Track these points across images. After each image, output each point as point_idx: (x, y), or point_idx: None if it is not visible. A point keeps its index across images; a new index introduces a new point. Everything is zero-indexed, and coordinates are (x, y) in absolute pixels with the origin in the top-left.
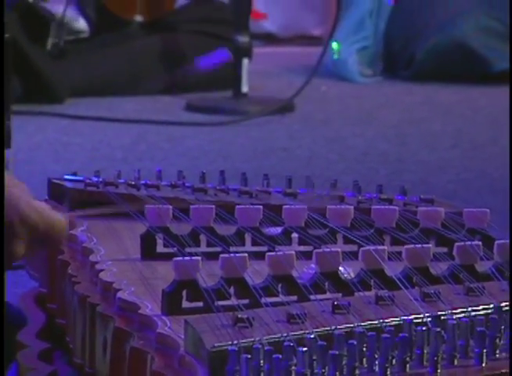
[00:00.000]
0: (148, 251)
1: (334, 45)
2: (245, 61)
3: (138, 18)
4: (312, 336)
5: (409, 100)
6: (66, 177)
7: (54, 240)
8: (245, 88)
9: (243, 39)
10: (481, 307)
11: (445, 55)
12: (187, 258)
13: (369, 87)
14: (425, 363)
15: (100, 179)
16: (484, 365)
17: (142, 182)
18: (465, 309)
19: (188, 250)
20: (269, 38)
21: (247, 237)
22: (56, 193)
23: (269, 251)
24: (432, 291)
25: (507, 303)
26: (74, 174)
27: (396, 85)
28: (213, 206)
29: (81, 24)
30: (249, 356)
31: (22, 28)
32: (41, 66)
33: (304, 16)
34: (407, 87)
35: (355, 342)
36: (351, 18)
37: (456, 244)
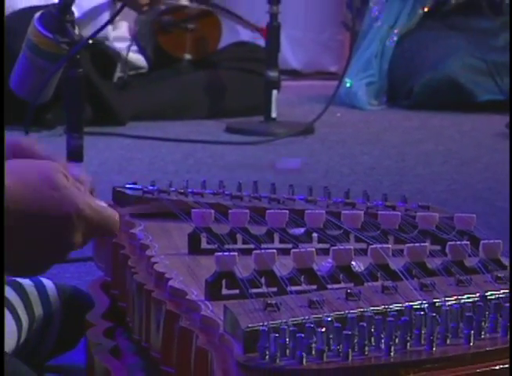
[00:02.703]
0: (194, 247)
1: (347, 81)
2: (274, 92)
3: (188, 57)
4: (329, 319)
5: (407, 125)
6: (128, 186)
7: (107, 232)
8: (274, 114)
9: (273, 74)
10: (469, 296)
11: (437, 88)
12: (226, 253)
13: (375, 114)
14: (422, 342)
15: (155, 188)
16: (471, 344)
17: (190, 190)
18: (456, 297)
19: (227, 246)
20: (294, 74)
21: (276, 236)
22: (119, 199)
23: (294, 248)
24: (428, 282)
25: (491, 292)
26: (134, 183)
27: (397, 113)
28: (247, 210)
29: (142, 61)
30: (277, 335)
31: (93, 64)
32: (108, 95)
33: (323, 56)
34: (406, 114)
35: (365, 324)
36: (360, 58)
37: (448, 243)
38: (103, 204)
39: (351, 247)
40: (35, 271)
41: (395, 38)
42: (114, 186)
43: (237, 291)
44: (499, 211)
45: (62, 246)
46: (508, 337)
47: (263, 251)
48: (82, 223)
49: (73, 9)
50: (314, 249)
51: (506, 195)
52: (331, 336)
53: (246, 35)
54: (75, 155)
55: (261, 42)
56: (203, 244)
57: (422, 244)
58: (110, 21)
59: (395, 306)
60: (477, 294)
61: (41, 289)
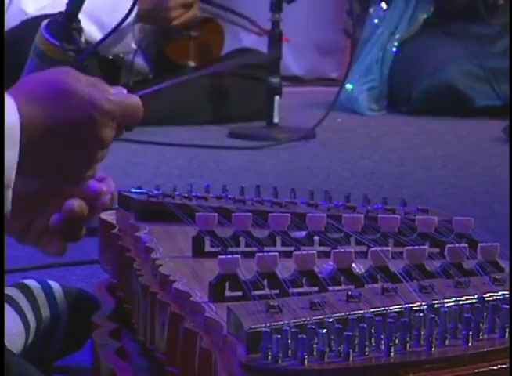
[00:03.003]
0: (198, 250)
1: (348, 85)
2: (276, 98)
3: (191, 63)
4: (330, 320)
5: (407, 130)
6: (133, 190)
7: (133, 120)
8: (276, 120)
9: (275, 80)
10: (467, 297)
11: (436, 94)
12: (229, 256)
13: (375, 119)
14: (422, 342)
15: (160, 192)
16: (470, 345)
17: (194, 194)
18: (454, 299)
19: (230, 249)
20: (296, 80)
21: (278, 239)
22: (125, 203)
23: (295, 250)
24: (428, 284)
25: (489, 294)
26: (139, 187)
27: (397, 118)
28: (250, 214)
29: (146, 68)
30: (279, 336)
31: (98, 71)
32: None
33: (324, 62)
34: (406, 119)
35: (365, 325)
36: (361, 64)
37: (447, 245)
38: (122, 93)
39: (352, 250)
40: (78, 175)
41: (396, 44)
42: (120, 190)
43: (240, 293)
44: (497, 214)
45: (94, 146)
46: (506, 338)
47: (265, 253)
48: (106, 119)
49: (80, 17)
50: (315, 252)
51: (503, 198)
52: (332, 337)
53: (248, 42)
54: None
55: (264, 46)
56: (207, 247)
57: (421, 247)
58: (115, 29)
59: (395, 308)
60: (476, 296)
61: (48, 291)
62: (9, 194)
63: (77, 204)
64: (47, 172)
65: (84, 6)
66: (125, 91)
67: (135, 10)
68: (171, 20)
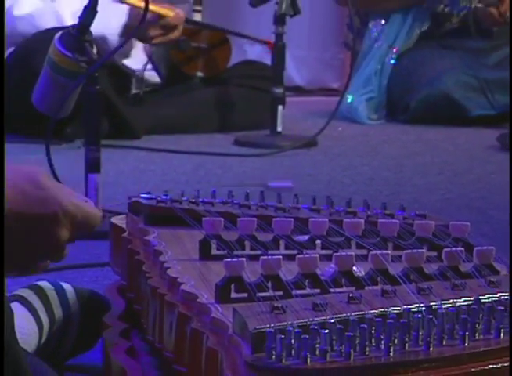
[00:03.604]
0: (204, 253)
1: (348, 96)
2: (280, 107)
3: (199, 74)
4: (332, 321)
5: (405, 138)
6: (142, 195)
7: (91, 227)
8: (280, 128)
9: (279, 91)
10: (464, 299)
11: (433, 103)
12: (235, 259)
13: (374, 128)
14: (420, 342)
15: (168, 197)
16: (466, 345)
17: (200, 199)
18: (451, 301)
19: (235, 252)
20: (298, 90)
21: (281, 243)
22: (134, 208)
23: (298, 254)
24: (426, 286)
25: (485, 296)
26: (148, 193)
27: (395, 127)
28: (255, 218)
29: (155, 78)
30: (283, 336)
31: (109, 82)
32: (124, 110)
33: (326, 73)
34: (404, 128)
35: (366, 326)
36: (361, 75)
37: (444, 249)
38: (86, 201)
39: (353, 254)
40: (26, 268)
41: (394, 57)
42: (130, 195)
43: (245, 295)
44: (491, 219)
45: (50, 242)
46: (501, 338)
47: (270, 257)
48: (67, 219)
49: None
50: (317, 255)
51: (498, 204)
52: (334, 337)
53: (253, 54)
54: (93, 167)
55: (268, 58)
56: (213, 251)
57: (419, 251)
58: (121, 46)
59: (394, 309)
60: (472, 298)
61: (60, 292)
62: None
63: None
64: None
65: (72, 9)
66: (92, 203)
67: (121, 24)
68: (149, 39)
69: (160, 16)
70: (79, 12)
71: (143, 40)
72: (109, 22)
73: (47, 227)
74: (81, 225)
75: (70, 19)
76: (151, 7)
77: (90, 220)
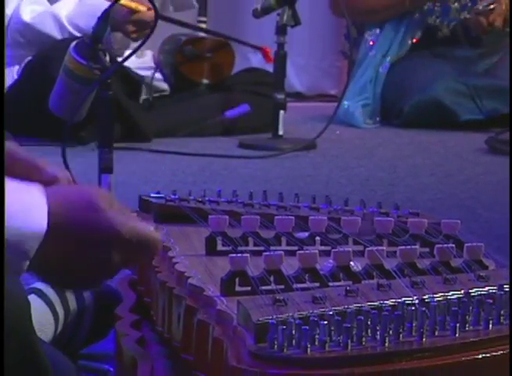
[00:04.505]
0: (210, 249)
1: (345, 102)
2: (281, 112)
3: (205, 81)
4: (331, 313)
5: (398, 141)
6: (152, 195)
7: (146, 254)
8: (281, 132)
9: (280, 96)
10: (454, 292)
11: (425, 109)
12: (239, 254)
13: (370, 131)
14: (414, 333)
15: (176, 197)
16: (457, 335)
17: (207, 199)
18: (443, 294)
19: (240, 248)
20: (299, 96)
21: (283, 240)
22: (145, 207)
23: (299, 249)
24: (419, 280)
25: (474, 289)
26: (158, 192)
27: (389, 131)
28: (258, 216)
29: (164, 85)
30: (284, 327)
31: (121, 88)
32: (135, 115)
33: (324, 80)
34: (397, 132)
35: (362, 318)
36: (357, 83)
37: (436, 245)
38: (147, 227)
39: (350, 250)
40: (83, 285)
41: (387, 65)
42: (140, 194)
43: (249, 288)
44: (480, 217)
45: (102, 265)
46: (489, 329)
47: (272, 252)
48: (121, 245)
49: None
50: (317, 251)
51: (486, 203)
52: (332, 328)
53: (256, 62)
54: (106, 168)
55: (271, 66)
56: (219, 247)
57: (413, 247)
58: (134, 52)
59: (389, 302)
60: (462, 291)
61: None
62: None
63: None
64: (53, 273)
65: (67, 12)
66: (152, 228)
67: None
68: (128, 34)
69: (131, 11)
70: (74, 14)
71: (125, 35)
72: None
73: (99, 251)
74: (138, 251)
75: (66, 21)
76: (122, 1)
77: (146, 247)
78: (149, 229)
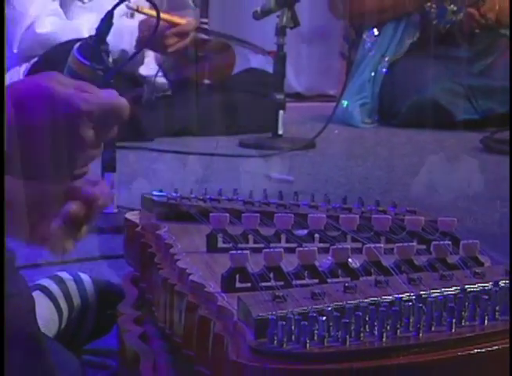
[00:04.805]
0: (211, 246)
1: (343, 102)
2: (281, 112)
3: (206, 81)
4: (329, 309)
5: (396, 141)
6: (154, 193)
7: (114, 119)
8: (281, 131)
9: (280, 97)
10: (451, 289)
11: (421, 109)
12: (239, 251)
13: (368, 131)
14: (411, 329)
15: (178, 195)
16: (453, 330)
17: (208, 197)
18: (440, 290)
19: (240, 246)
20: (298, 96)
21: (283, 237)
22: (147, 204)
23: (298, 247)
24: (416, 277)
25: (470, 286)
26: (160, 190)
27: (387, 130)
28: (258, 214)
29: (166, 85)
30: (284, 323)
31: (124, 88)
32: (138, 114)
33: (323, 81)
34: (395, 131)
35: (361, 313)
36: (355, 83)
37: (433, 242)
38: (107, 94)
39: (348, 247)
40: (64, 173)
41: (386, 66)
42: (143, 192)
43: (249, 285)
44: (475, 215)
45: (73, 145)
46: (485, 324)
47: (272, 249)
48: (83, 118)
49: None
50: (316, 248)
51: (481, 201)
52: (331, 324)
53: (256, 63)
54: (109, 166)
55: (270, 66)
56: (220, 244)
57: (410, 244)
58: (134, 55)
59: (387, 298)
60: (458, 288)
61: (79, 282)
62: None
63: (73, 207)
64: (31, 172)
65: (91, 26)
66: (115, 93)
67: (135, 37)
68: (165, 47)
69: (173, 24)
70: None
71: (160, 49)
72: (122, 36)
73: (65, 132)
74: (104, 120)
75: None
76: (163, 16)
77: (112, 113)
78: (111, 96)
